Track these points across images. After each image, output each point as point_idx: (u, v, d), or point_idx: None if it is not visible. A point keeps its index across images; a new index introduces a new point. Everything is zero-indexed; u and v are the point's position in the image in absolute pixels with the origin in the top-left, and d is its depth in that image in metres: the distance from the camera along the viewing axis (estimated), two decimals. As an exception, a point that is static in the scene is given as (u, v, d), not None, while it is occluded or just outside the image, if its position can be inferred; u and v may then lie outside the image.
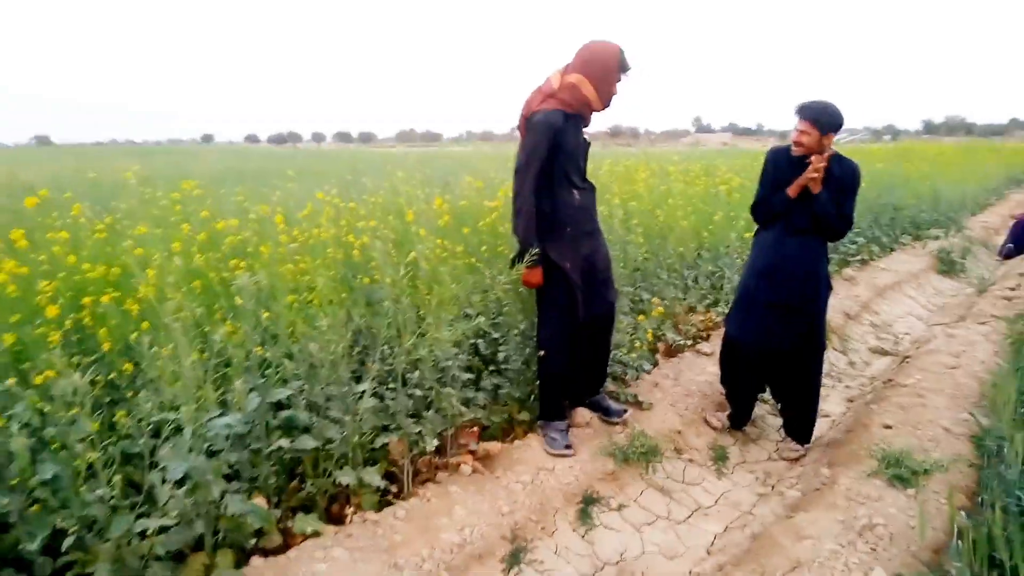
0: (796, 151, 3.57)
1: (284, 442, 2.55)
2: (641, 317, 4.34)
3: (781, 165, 3.68)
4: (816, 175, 3.49)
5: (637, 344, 4.06)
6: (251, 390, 2.52)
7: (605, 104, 3.31)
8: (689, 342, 5.07)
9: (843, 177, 3.58)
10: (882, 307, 7.01)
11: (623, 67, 3.25)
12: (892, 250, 9.10)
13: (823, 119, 3.46)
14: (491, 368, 3.69)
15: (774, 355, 3.79)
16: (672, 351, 4.93)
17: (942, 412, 3.91)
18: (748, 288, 3.82)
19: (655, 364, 4.56)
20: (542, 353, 3.47)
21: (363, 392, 2.83)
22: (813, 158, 3.49)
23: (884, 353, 5.83)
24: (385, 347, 3.10)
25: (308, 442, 2.61)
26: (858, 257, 8.17)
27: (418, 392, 3.09)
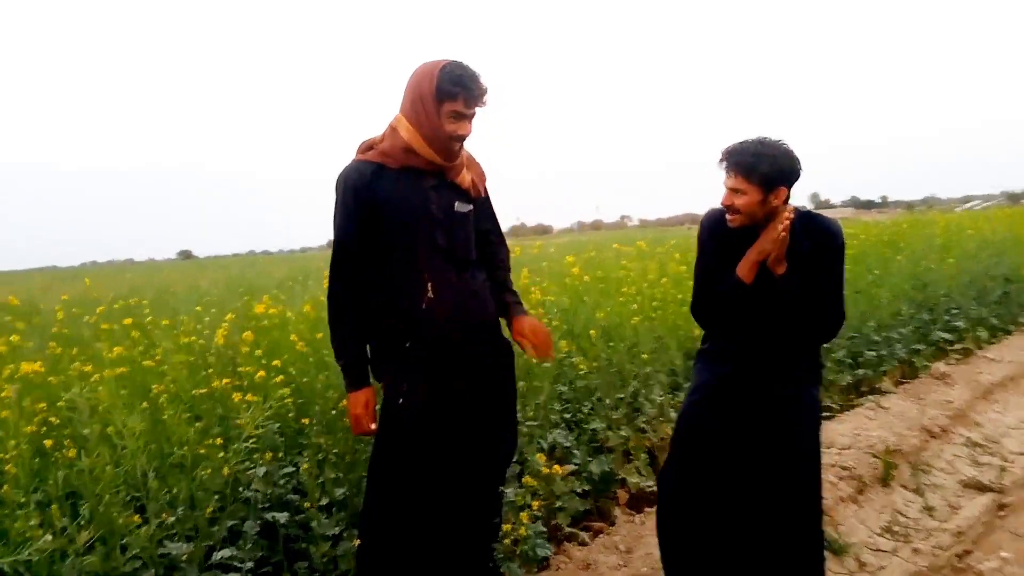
0: (732, 222, 2.25)
1: None
2: (540, 457, 2.90)
3: (722, 236, 2.34)
4: (773, 246, 2.17)
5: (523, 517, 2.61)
6: None
7: (439, 148, 2.14)
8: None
9: (817, 248, 2.24)
10: (987, 415, 5.15)
11: (444, 92, 2.07)
12: (1007, 334, 7.09)
13: (762, 168, 2.15)
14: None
15: (739, 529, 2.32)
16: (638, 501, 3.47)
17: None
18: (691, 421, 2.41)
19: (559, 544, 3.04)
20: (359, 544, 2.24)
21: None
22: (772, 226, 2.19)
23: (983, 489, 4.04)
24: None
25: None
26: (957, 346, 6.30)
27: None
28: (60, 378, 2.59)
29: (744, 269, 2.24)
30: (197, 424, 2.43)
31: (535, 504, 2.49)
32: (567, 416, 3.52)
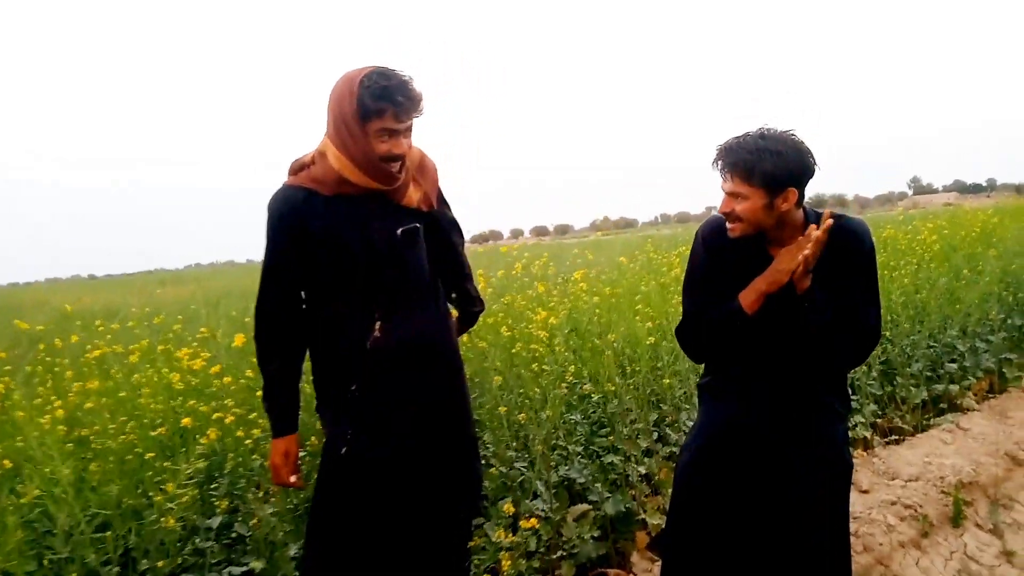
0: (732, 231, 1.89)
1: None
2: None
3: (720, 248, 1.98)
4: (802, 264, 1.79)
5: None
6: None
7: (373, 174, 1.87)
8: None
9: (842, 255, 1.86)
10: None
11: (368, 110, 1.79)
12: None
13: (764, 166, 1.78)
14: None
15: None
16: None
17: None
18: (690, 482, 2.07)
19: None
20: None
21: None
22: (792, 246, 1.84)
23: (1081, 531, 3.47)
24: None
25: None
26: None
27: None
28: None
29: (749, 298, 1.87)
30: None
31: (505, 564, 2.19)
32: (580, 448, 3.20)
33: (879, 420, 4.37)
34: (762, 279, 1.86)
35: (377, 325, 1.91)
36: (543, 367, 3.00)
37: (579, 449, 3.17)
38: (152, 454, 2.35)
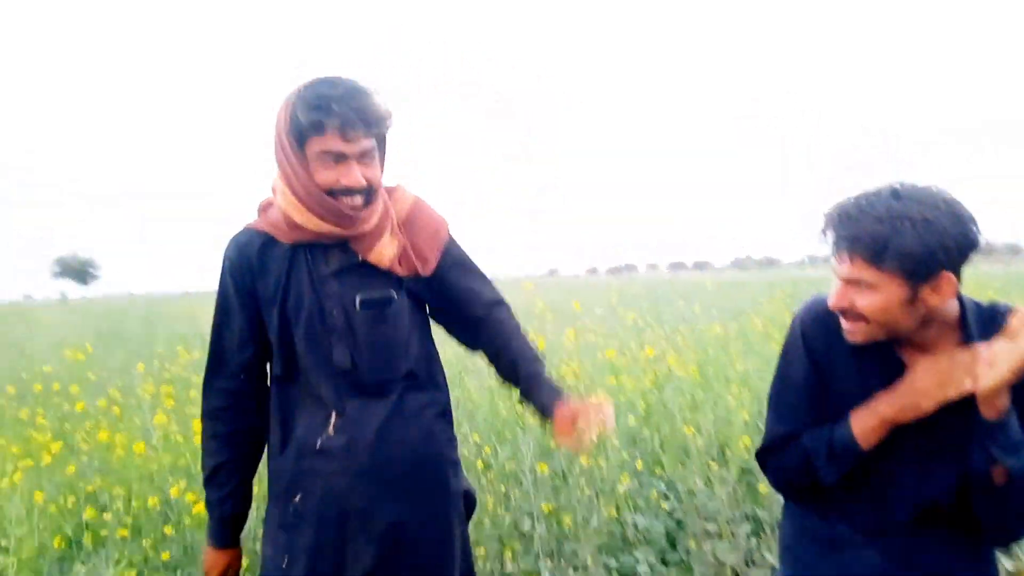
0: (851, 335, 1.29)
1: None
2: None
3: (829, 348, 1.39)
4: (1006, 377, 1.17)
5: None
6: None
7: (321, 212, 1.43)
8: None
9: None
10: None
11: (301, 127, 1.38)
12: None
13: (904, 243, 1.16)
14: None
15: None
16: None
17: None
18: None
19: None
20: None
21: None
22: (957, 356, 1.23)
23: None
24: None
25: None
26: None
27: None
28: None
29: (867, 425, 1.28)
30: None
31: None
32: (649, 566, 2.62)
33: None
34: (890, 401, 1.27)
35: (332, 420, 1.48)
36: (600, 460, 2.45)
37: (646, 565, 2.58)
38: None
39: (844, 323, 1.29)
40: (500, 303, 1.66)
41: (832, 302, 1.28)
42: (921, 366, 1.25)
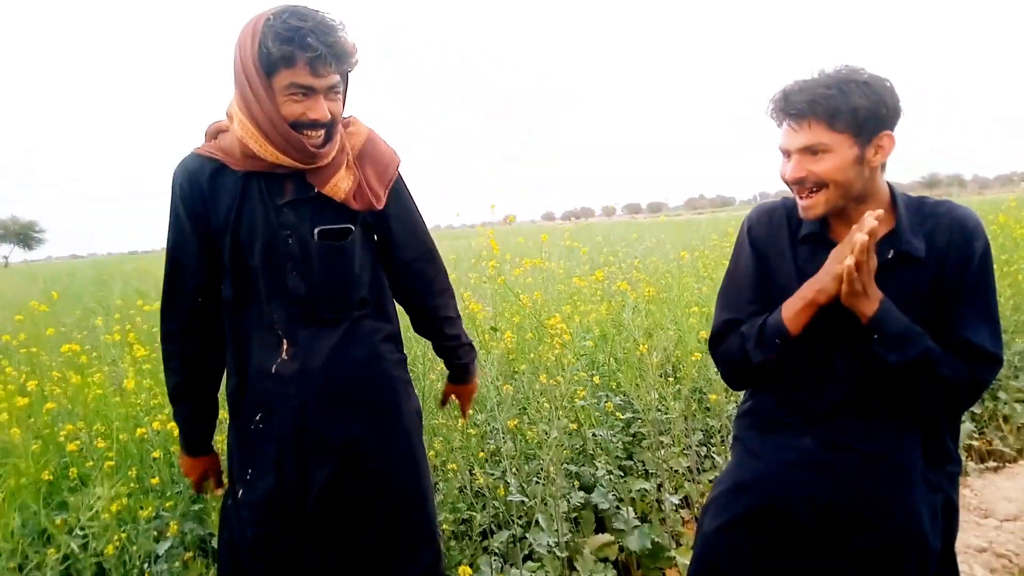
0: (808, 211, 1.42)
1: None
2: None
3: (774, 242, 1.53)
4: (851, 265, 1.30)
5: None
6: None
7: (282, 145, 1.46)
8: None
9: (943, 256, 1.39)
10: None
11: (272, 58, 1.40)
12: None
13: (854, 101, 1.32)
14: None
15: None
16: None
17: None
18: (725, 556, 1.57)
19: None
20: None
21: None
22: (860, 226, 1.32)
23: None
24: None
25: None
26: None
27: None
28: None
29: (793, 310, 1.41)
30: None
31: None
32: (608, 473, 2.81)
33: (975, 442, 3.77)
34: (810, 283, 1.39)
35: (284, 346, 1.57)
36: (558, 377, 2.62)
37: (604, 471, 2.78)
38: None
39: (801, 201, 1.41)
40: (426, 257, 1.76)
41: (789, 175, 1.39)
42: (834, 250, 1.38)
